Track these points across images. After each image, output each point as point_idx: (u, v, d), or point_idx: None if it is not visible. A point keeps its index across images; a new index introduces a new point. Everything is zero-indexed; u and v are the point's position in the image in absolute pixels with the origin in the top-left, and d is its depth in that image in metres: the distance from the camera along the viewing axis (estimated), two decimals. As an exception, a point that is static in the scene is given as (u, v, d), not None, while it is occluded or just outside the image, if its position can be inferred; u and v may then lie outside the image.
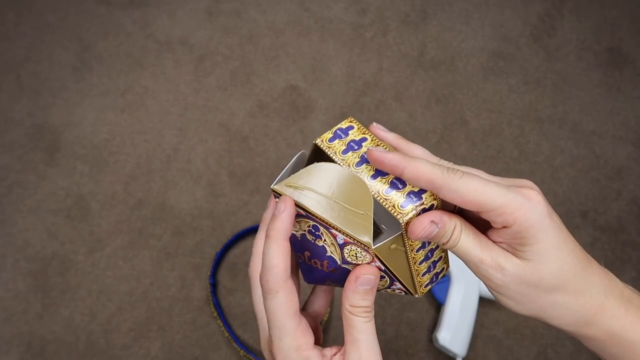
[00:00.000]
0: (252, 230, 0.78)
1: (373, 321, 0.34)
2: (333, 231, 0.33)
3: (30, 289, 0.74)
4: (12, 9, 0.92)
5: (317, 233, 0.34)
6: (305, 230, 0.35)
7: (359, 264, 0.34)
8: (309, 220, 0.34)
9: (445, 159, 0.35)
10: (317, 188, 0.33)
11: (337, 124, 0.36)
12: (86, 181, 0.80)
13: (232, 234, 0.78)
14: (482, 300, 0.74)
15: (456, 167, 0.34)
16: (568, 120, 0.89)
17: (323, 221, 0.33)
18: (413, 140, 0.36)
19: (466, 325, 0.70)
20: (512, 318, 0.75)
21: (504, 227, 0.32)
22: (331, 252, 0.34)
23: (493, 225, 0.33)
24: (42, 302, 0.73)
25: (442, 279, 0.72)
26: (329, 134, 0.35)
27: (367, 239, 0.32)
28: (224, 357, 0.72)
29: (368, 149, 0.33)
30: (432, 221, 0.31)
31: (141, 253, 0.76)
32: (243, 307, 0.75)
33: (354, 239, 0.32)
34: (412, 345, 0.73)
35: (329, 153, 0.34)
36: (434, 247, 0.36)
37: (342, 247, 0.33)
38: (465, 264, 0.34)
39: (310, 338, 0.34)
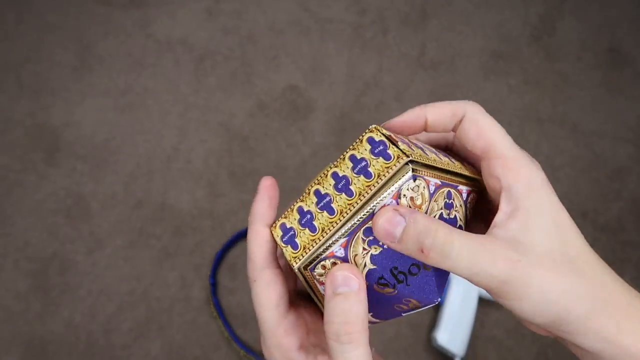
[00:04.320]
0: (252, 230, 0.78)
1: (362, 350, 0.27)
2: (460, 187, 0.29)
3: (30, 289, 0.74)
4: (12, 9, 0.92)
5: (450, 202, 0.29)
6: (442, 207, 0.29)
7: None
8: (444, 189, 0.29)
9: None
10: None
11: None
12: (86, 181, 0.80)
13: (232, 234, 0.78)
14: (482, 301, 0.74)
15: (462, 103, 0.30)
16: (568, 120, 0.89)
17: (450, 177, 0.29)
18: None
19: (465, 325, 0.70)
20: (512, 318, 0.75)
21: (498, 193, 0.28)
22: (459, 220, 0.30)
23: (488, 188, 0.29)
24: (42, 302, 0.73)
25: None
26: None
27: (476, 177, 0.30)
28: (224, 357, 0.72)
29: (386, 125, 0.30)
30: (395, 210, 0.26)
31: (141, 253, 0.76)
32: (243, 307, 0.75)
33: (470, 179, 0.30)
34: (412, 345, 0.73)
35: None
36: None
37: (466, 203, 0.30)
38: (467, 279, 0.27)
39: (295, 338, 0.30)
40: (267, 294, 0.29)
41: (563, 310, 0.26)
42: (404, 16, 0.96)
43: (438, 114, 0.29)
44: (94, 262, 0.76)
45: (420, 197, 0.27)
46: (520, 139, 0.87)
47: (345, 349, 0.26)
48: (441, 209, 0.29)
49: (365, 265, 0.28)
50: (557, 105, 0.90)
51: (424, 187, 0.28)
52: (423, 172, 0.27)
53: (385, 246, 0.28)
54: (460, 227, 0.30)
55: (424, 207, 0.28)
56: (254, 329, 0.74)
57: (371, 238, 0.28)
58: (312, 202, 0.29)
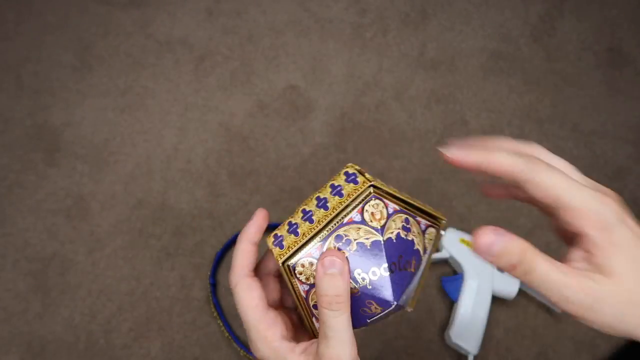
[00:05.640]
0: (252, 230, 0.78)
1: (347, 315, 0.33)
2: (418, 219, 0.36)
3: (30, 289, 0.74)
4: (12, 9, 0.92)
5: (407, 226, 0.36)
6: (399, 228, 0.35)
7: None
8: (402, 214, 0.36)
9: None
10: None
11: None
12: (86, 181, 0.80)
13: (232, 234, 0.78)
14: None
15: (529, 149, 0.34)
16: (568, 120, 0.89)
17: (409, 207, 0.36)
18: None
19: (478, 323, 0.71)
20: (512, 318, 0.75)
21: (573, 235, 0.30)
22: (417, 244, 0.36)
23: (561, 231, 0.32)
24: (42, 302, 0.73)
25: (456, 276, 0.73)
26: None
27: (440, 215, 0.37)
28: (224, 357, 0.72)
29: (443, 154, 0.34)
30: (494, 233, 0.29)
31: (141, 253, 0.76)
32: (243, 307, 0.75)
33: (431, 216, 0.37)
34: (412, 345, 0.73)
35: None
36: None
37: (424, 232, 0.37)
38: (544, 293, 0.29)
39: (276, 330, 0.35)
40: (248, 296, 0.35)
41: None
42: (404, 16, 0.96)
43: (499, 171, 0.32)
44: (94, 262, 0.76)
45: (379, 213, 0.35)
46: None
47: (335, 314, 0.32)
48: (399, 229, 0.35)
49: None
50: (557, 105, 0.90)
51: (382, 207, 0.35)
52: (383, 196, 0.35)
53: (351, 252, 0.34)
54: (417, 251, 0.36)
55: (382, 222, 0.34)
56: (254, 329, 0.74)
57: (340, 244, 0.34)
58: (299, 217, 0.36)
